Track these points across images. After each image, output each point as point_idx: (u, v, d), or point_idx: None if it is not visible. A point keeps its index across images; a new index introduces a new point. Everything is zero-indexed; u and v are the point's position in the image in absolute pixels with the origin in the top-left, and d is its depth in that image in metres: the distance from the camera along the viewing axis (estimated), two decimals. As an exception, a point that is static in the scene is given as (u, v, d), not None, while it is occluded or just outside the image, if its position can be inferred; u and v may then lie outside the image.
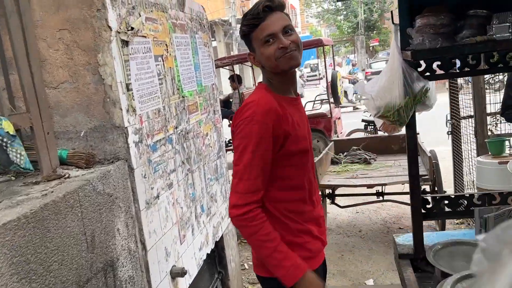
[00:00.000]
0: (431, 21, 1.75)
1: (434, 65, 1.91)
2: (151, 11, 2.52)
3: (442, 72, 1.89)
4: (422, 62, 1.90)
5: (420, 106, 1.94)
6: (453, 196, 2.07)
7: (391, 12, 2.12)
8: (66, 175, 1.92)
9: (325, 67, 8.85)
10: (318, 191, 1.90)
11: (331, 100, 8.18)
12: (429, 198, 2.09)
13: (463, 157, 5.38)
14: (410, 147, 1.98)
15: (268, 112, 1.62)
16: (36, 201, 1.57)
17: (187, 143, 2.95)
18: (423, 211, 2.07)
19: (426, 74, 1.91)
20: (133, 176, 2.18)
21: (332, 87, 8.29)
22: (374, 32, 32.30)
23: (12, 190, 1.75)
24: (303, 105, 1.96)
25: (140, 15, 2.35)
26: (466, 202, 2.05)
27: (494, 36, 1.67)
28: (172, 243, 2.54)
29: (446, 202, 2.07)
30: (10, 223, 1.40)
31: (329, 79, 8.36)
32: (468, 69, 1.86)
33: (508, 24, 1.64)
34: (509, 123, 4.25)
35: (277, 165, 1.67)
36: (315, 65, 29.94)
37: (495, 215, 1.90)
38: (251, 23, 1.62)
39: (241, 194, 1.60)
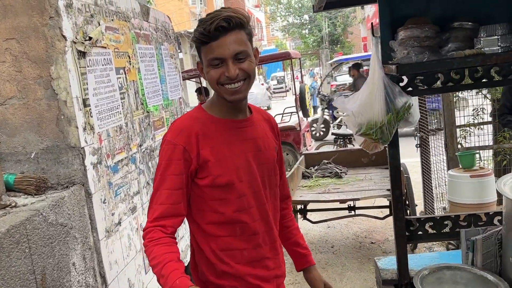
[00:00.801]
0: (415, 33, 1.65)
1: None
2: (112, 20, 2.32)
3: (425, 87, 1.79)
4: (404, 76, 1.80)
5: (403, 123, 1.83)
6: (438, 217, 1.96)
7: (371, 23, 2.02)
8: (13, 204, 1.68)
9: (293, 79, 8.81)
10: (276, 230, 1.61)
11: (300, 112, 8.12)
12: (414, 220, 1.97)
13: (432, 170, 5.39)
14: (393, 166, 1.87)
15: (180, 132, 1.45)
16: (-28, 239, 1.33)
17: (153, 162, 2.74)
18: (407, 233, 1.95)
19: (408, 89, 1.81)
20: (91, 202, 1.95)
21: (301, 100, 8.24)
22: (338, 46, 32.94)
23: None
24: (267, 123, 1.66)
25: (99, 24, 2.15)
26: (451, 223, 1.95)
27: (483, 49, 1.58)
28: (136, 273, 2.31)
29: (431, 223, 1.96)
30: None
31: (297, 91, 8.31)
32: (452, 84, 1.76)
33: (497, 37, 1.57)
34: (505, 128, 4.31)
35: (203, 195, 1.48)
36: (282, 77, 30.16)
37: (483, 237, 1.80)
38: (200, 38, 1.38)
39: (148, 220, 1.42)
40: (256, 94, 14.13)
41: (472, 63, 1.56)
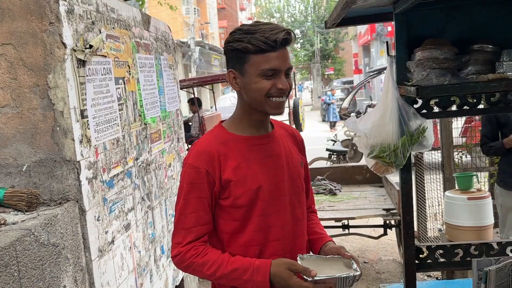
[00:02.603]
0: (434, 55, 1.59)
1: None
2: (113, 28, 2.22)
3: (440, 110, 1.72)
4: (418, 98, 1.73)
5: (417, 146, 1.76)
6: (448, 246, 1.89)
7: (386, 42, 1.97)
8: (2, 221, 1.55)
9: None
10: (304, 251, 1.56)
11: (293, 126, 8.09)
12: (424, 248, 1.89)
13: (426, 189, 5.35)
14: (405, 191, 1.79)
15: (202, 155, 1.45)
16: (-44, 262, 1.21)
17: (148, 176, 2.63)
18: (416, 261, 1.87)
19: (423, 112, 1.74)
20: (85, 219, 1.84)
21: (294, 114, 8.21)
22: (329, 61, 33.22)
23: None
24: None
25: (100, 32, 2.05)
26: (462, 251, 1.87)
27: (506, 74, 1.52)
28: (128, 295, 2.18)
29: (441, 251, 1.89)
30: None
31: (291, 105, 8.28)
32: (467, 108, 1.70)
33: (521, 61, 1.51)
34: (489, 156, 4.34)
35: (225, 216, 1.48)
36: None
37: (496, 268, 1.73)
38: (260, 46, 1.35)
39: (174, 244, 1.46)
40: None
41: (496, 87, 1.51)
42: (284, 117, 9.30)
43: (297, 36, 34.12)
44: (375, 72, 12.24)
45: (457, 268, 2.75)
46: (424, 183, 5.34)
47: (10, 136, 1.78)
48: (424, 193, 5.36)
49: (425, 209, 5.35)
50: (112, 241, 2.08)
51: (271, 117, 1.54)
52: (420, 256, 1.89)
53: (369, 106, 13.73)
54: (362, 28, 24.64)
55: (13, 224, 1.54)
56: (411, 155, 5.21)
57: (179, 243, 1.43)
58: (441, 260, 1.90)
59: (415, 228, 5.33)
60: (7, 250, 1.35)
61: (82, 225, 1.83)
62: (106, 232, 2.02)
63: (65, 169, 1.79)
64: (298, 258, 1.44)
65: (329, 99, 19.09)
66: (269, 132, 1.54)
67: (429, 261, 1.89)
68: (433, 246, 1.90)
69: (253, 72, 1.39)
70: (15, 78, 1.75)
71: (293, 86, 9.65)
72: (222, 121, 1.57)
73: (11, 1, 1.71)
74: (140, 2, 7.03)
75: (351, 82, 27.86)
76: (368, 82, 16.07)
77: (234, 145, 1.47)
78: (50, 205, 1.75)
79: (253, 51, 1.36)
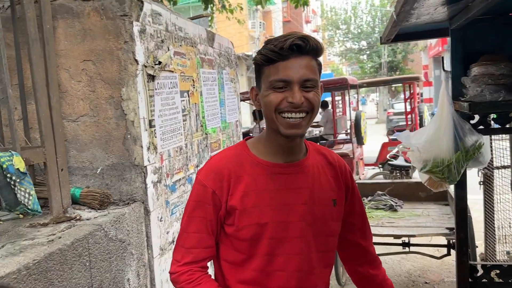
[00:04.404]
0: (489, 70, 1.58)
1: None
2: (180, 45, 2.41)
3: (498, 126, 1.69)
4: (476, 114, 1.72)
5: (472, 162, 1.73)
6: (505, 266, 1.83)
7: (442, 58, 1.95)
8: (77, 217, 1.75)
9: (349, 106, 8.71)
10: None
11: (354, 140, 7.98)
12: (479, 266, 1.85)
13: (495, 210, 5.06)
14: (460, 207, 1.77)
15: (212, 173, 1.27)
16: (41, 249, 1.40)
17: (208, 183, 2.78)
18: (470, 280, 1.82)
19: (479, 128, 1.72)
20: (149, 219, 2.00)
21: (356, 127, 8.09)
22: (397, 73, 32.27)
23: (17, 232, 1.59)
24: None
25: (168, 49, 2.24)
26: (521, 273, 1.80)
27: None
28: (185, 293, 2.32)
29: (498, 271, 1.83)
30: (8, 276, 1.23)
31: (353, 118, 8.18)
32: (527, 125, 1.66)
33: None
34: None
35: (229, 243, 1.29)
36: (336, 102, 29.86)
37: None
38: (268, 55, 1.19)
39: (174, 260, 1.30)
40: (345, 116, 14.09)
41: (555, 105, 1.47)
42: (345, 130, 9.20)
43: (363, 48, 33.59)
44: None
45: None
46: (493, 204, 5.06)
47: (88, 142, 2.00)
48: (493, 214, 5.07)
49: (494, 231, 5.07)
50: (173, 241, 2.23)
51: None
52: (474, 275, 1.84)
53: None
54: (433, 40, 23.75)
55: (87, 220, 1.74)
56: (479, 173, 4.98)
57: (178, 261, 1.27)
58: (497, 280, 1.84)
59: (483, 250, 5.07)
60: (81, 242, 1.53)
61: (146, 224, 2.00)
62: (167, 232, 2.18)
63: (133, 173, 1.97)
64: None
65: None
66: (299, 161, 1.30)
67: (484, 280, 1.84)
68: (488, 265, 1.85)
69: (264, 86, 1.22)
70: (94, 91, 1.97)
71: (358, 99, 9.45)
72: (247, 138, 1.37)
73: (92, 23, 1.93)
74: (210, 18, 7.38)
75: (420, 95, 26.85)
76: None
77: (250, 169, 1.27)
78: (119, 205, 1.93)
79: (265, 61, 1.20)
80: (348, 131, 8.68)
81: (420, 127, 8.50)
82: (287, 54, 1.17)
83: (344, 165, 1.41)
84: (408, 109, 8.89)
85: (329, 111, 9.25)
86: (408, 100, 8.88)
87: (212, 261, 1.35)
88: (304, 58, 1.19)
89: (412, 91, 8.66)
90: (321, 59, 1.29)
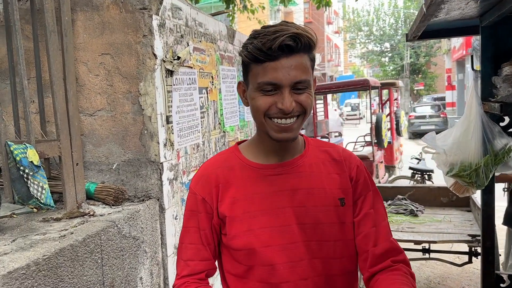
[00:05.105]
0: (523, 70, 1.49)
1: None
2: (200, 41, 2.37)
3: (530, 129, 1.60)
4: (506, 116, 1.63)
5: (501, 166, 1.64)
6: (535, 277, 1.73)
7: (471, 56, 1.87)
8: (91, 213, 1.73)
9: (370, 108, 8.57)
10: None
11: (374, 142, 7.85)
12: (505, 276, 1.75)
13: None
14: (487, 214, 1.68)
15: (200, 180, 1.22)
16: (52, 244, 1.38)
17: (225, 182, 2.74)
18: (496, 291, 1.73)
19: (510, 130, 1.63)
20: (164, 217, 1.97)
21: (376, 129, 7.96)
22: (420, 76, 31.76)
23: (29, 226, 1.57)
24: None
25: (188, 45, 2.21)
26: (551, 285, 1.70)
27: None
28: (199, 293, 2.28)
29: (526, 283, 1.73)
30: (17, 271, 1.20)
31: (373, 120, 8.05)
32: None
33: None
34: None
35: (228, 254, 1.21)
36: (356, 104, 29.61)
37: None
38: (255, 54, 1.07)
39: (176, 273, 1.26)
40: (329, 120, 14.01)
41: None
42: (363, 131, 9.07)
43: (385, 50, 33.17)
44: None
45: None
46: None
47: (104, 136, 1.98)
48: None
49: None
50: (187, 241, 2.19)
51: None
52: (501, 285, 1.75)
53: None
54: (457, 43, 23.28)
55: (101, 215, 1.71)
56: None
57: (178, 274, 1.24)
58: (526, 292, 1.75)
59: (503, 259, 4.90)
60: (93, 238, 1.50)
61: (161, 222, 1.96)
62: (182, 232, 2.14)
63: (149, 169, 1.94)
64: None
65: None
66: (292, 159, 1.21)
67: (511, 292, 1.75)
68: (516, 277, 1.75)
69: (252, 86, 1.13)
70: (111, 85, 1.94)
71: (381, 101, 9.33)
72: (240, 142, 1.30)
73: (111, 16, 1.91)
74: (231, 18, 7.36)
75: (443, 98, 26.38)
76: None
77: (241, 173, 1.20)
78: (134, 201, 1.90)
79: (252, 60, 1.09)
80: (331, 133, 8.76)
81: (397, 131, 8.45)
82: (276, 55, 1.06)
83: (351, 159, 1.27)
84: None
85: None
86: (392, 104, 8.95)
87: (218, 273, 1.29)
88: (295, 57, 1.08)
89: (393, 97, 8.71)
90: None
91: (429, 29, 1.77)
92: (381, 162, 8.27)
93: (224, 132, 2.74)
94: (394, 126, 8.72)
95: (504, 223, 3.20)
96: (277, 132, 1.11)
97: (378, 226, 1.21)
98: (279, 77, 1.07)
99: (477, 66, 1.68)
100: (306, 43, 1.08)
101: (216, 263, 1.28)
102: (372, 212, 1.21)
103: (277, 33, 1.06)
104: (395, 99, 10.21)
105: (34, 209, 1.79)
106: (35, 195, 1.46)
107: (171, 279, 2.02)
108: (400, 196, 5.40)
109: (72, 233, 1.48)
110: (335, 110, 19.34)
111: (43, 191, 1.49)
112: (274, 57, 1.06)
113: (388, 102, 9.11)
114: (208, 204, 1.19)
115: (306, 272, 1.16)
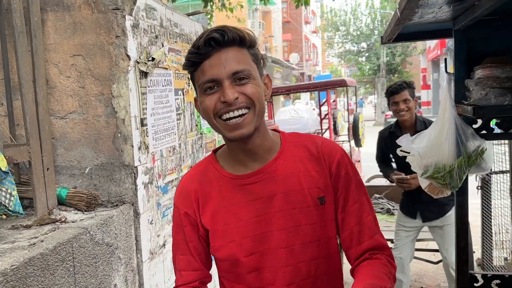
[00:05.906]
0: (494, 73, 1.52)
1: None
2: (176, 41, 2.34)
3: (501, 131, 1.63)
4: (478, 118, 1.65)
5: (474, 168, 1.67)
6: (507, 276, 1.77)
7: (445, 59, 1.90)
8: (62, 219, 1.68)
9: (347, 107, 8.66)
10: None
11: (352, 142, 7.93)
12: (479, 276, 1.79)
13: (492, 215, 5.02)
14: (460, 215, 1.70)
15: (181, 194, 1.24)
16: (21, 253, 1.33)
17: (202, 184, 2.71)
18: (470, 290, 1.76)
19: (482, 132, 1.66)
20: (139, 222, 1.93)
21: (354, 129, 8.05)
22: (396, 75, 32.28)
23: (-3, 234, 1.51)
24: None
25: (163, 45, 2.17)
26: (523, 284, 1.74)
27: None
28: (176, 298, 2.25)
29: (498, 281, 1.77)
30: (-18, 283, 1.15)
31: (351, 121, 8.13)
32: (532, 130, 1.60)
33: None
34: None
35: (215, 259, 1.25)
36: (334, 103, 29.84)
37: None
38: (190, 58, 1.10)
39: (175, 284, 1.28)
40: (307, 119, 14.14)
41: None
42: (344, 132, 9.15)
43: (362, 50, 33.57)
44: None
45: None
46: (490, 209, 5.02)
47: (76, 140, 1.93)
48: (491, 219, 5.03)
49: (491, 236, 5.02)
50: (164, 245, 2.16)
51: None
52: (475, 284, 1.78)
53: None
54: (432, 43, 23.75)
55: (72, 222, 1.66)
56: (477, 178, 4.93)
57: (175, 283, 1.27)
58: (499, 291, 1.78)
59: (480, 256, 5.02)
60: (64, 246, 1.46)
61: (136, 227, 1.92)
62: (158, 236, 2.11)
63: (123, 173, 1.90)
64: None
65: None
66: (265, 165, 1.17)
67: (484, 291, 1.78)
68: (489, 275, 1.78)
69: (198, 92, 1.13)
70: (83, 87, 1.89)
71: (356, 100, 9.45)
72: (216, 149, 1.28)
73: (83, 16, 1.86)
74: (209, 16, 7.31)
75: (418, 98, 26.86)
76: None
77: (217, 184, 1.20)
78: (107, 207, 1.86)
79: (191, 66, 1.12)
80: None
81: (334, 131, 8.55)
82: (207, 51, 1.07)
83: (330, 152, 1.20)
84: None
85: None
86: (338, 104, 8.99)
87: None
88: (228, 50, 1.09)
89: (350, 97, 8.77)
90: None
91: (403, 32, 1.79)
92: (358, 161, 8.36)
93: (201, 134, 2.71)
94: (332, 127, 8.70)
95: None
96: (229, 131, 1.10)
97: (362, 223, 1.19)
98: (215, 72, 1.07)
99: (451, 67, 1.71)
100: (234, 36, 1.09)
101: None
102: (355, 208, 1.19)
103: (204, 33, 1.10)
104: (333, 101, 10.31)
105: (2, 215, 1.73)
106: (3, 203, 1.41)
107: (147, 285, 1.99)
108: (377, 195, 5.47)
109: (42, 241, 1.43)
110: (313, 109, 19.48)
111: (12, 198, 1.44)
112: (205, 54, 1.08)
113: (326, 103, 9.15)
114: (191, 217, 1.22)
115: (291, 276, 1.16)
